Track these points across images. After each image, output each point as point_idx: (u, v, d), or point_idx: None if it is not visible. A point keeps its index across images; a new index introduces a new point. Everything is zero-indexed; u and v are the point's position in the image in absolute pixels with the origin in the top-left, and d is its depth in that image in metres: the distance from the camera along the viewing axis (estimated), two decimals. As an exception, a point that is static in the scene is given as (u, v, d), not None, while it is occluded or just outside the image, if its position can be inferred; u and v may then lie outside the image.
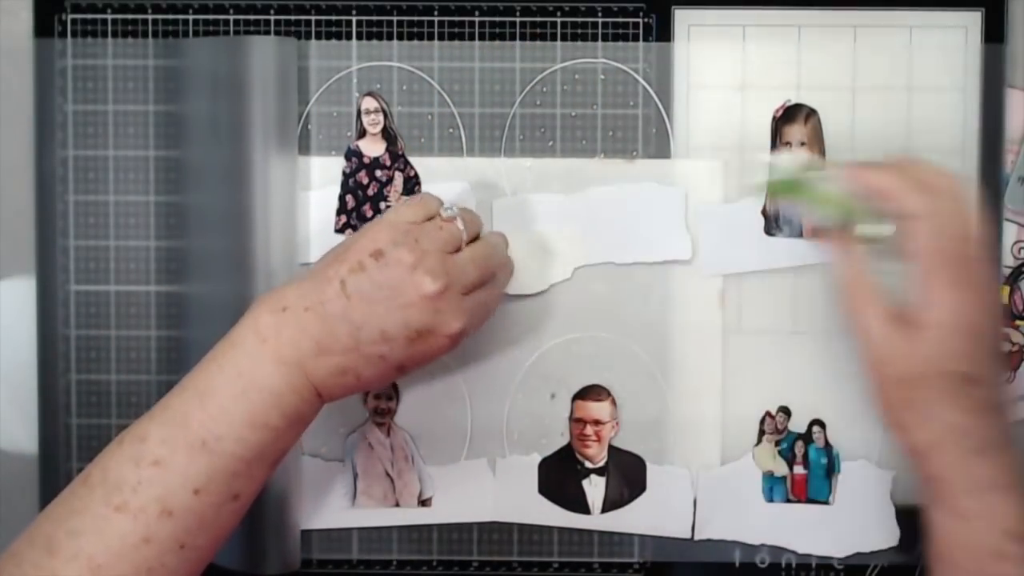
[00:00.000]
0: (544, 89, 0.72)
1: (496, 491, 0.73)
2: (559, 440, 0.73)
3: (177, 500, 0.55)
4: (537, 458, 0.73)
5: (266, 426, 0.57)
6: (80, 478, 0.57)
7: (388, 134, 0.72)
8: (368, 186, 0.72)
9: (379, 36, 0.72)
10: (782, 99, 0.71)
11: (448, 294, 0.59)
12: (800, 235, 0.71)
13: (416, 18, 0.71)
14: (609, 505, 0.72)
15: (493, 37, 0.71)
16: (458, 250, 0.62)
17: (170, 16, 0.72)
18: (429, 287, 0.59)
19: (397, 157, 0.72)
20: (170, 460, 0.56)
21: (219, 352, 0.58)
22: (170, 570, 0.56)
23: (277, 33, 0.71)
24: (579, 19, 0.71)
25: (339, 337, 0.58)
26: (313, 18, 0.72)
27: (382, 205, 0.71)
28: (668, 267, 0.71)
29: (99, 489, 0.56)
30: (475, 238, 0.64)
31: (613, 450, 0.72)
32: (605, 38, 0.71)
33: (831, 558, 0.72)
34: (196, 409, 0.57)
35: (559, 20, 0.71)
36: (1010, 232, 0.72)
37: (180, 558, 0.56)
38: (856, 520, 0.72)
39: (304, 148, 0.72)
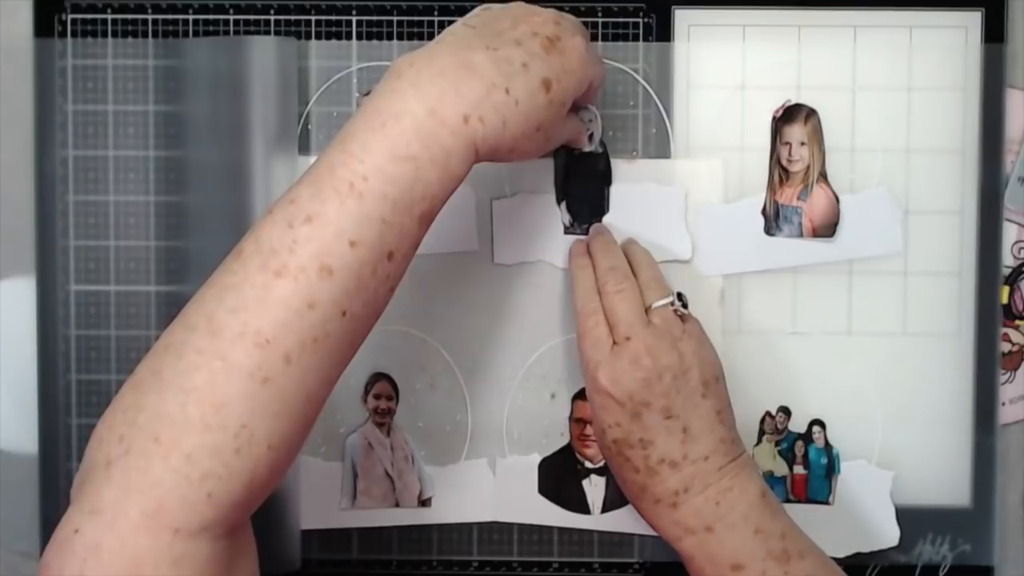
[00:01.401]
0: (544, 89, 0.72)
1: (496, 491, 0.73)
2: (559, 440, 0.73)
3: (335, 256, 0.53)
4: (537, 458, 0.73)
5: (410, 159, 0.54)
6: (230, 256, 0.54)
7: (388, 134, 0.72)
8: (368, 186, 0.72)
9: (379, 36, 0.72)
10: (782, 99, 0.71)
11: (565, 18, 0.61)
12: (800, 235, 0.71)
13: (416, 18, 0.71)
14: (609, 505, 0.72)
15: (493, 37, 0.71)
16: None
17: (170, 16, 0.72)
18: (540, 9, 0.61)
19: (397, 157, 0.72)
20: (322, 212, 0.53)
21: (361, 105, 0.57)
22: (333, 340, 0.53)
23: (277, 33, 0.71)
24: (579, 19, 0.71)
25: (475, 48, 0.57)
26: (313, 18, 0.72)
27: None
28: (668, 267, 0.71)
29: (254, 258, 0.53)
30: None
31: (613, 450, 0.72)
32: (605, 38, 0.71)
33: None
34: (338, 154, 0.54)
35: (559, 20, 0.71)
36: (1010, 232, 0.72)
37: (342, 327, 0.54)
38: (856, 520, 0.72)
39: (304, 148, 0.72)
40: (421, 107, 0.55)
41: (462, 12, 0.71)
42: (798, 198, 0.71)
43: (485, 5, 0.62)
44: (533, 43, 0.58)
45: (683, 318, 0.65)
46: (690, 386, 0.63)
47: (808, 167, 0.71)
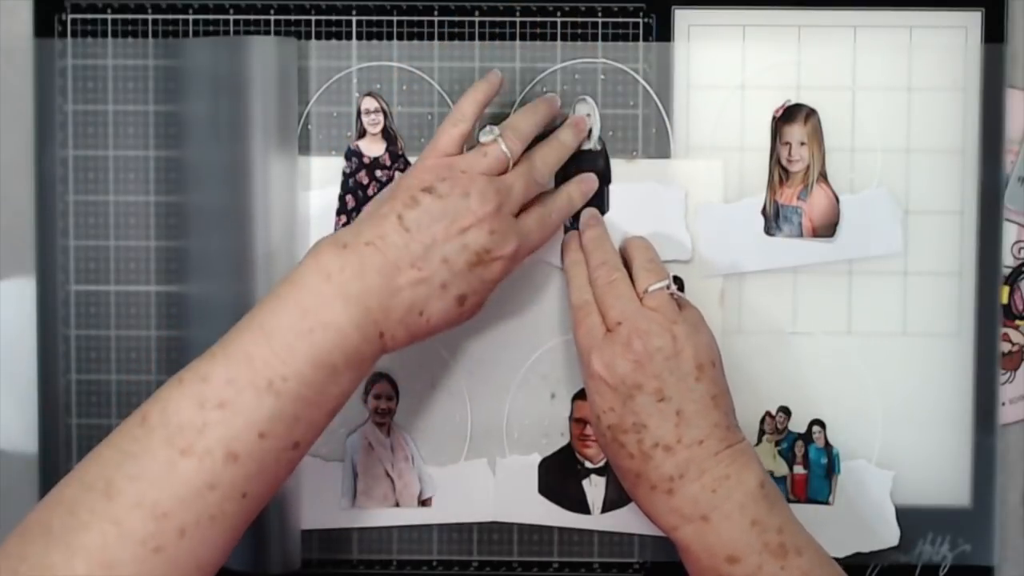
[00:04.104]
0: (544, 89, 0.72)
1: (496, 491, 0.73)
2: (559, 440, 0.73)
3: (243, 444, 0.54)
4: (537, 458, 0.73)
5: (329, 366, 0.57)
6: (134, 419, 0.55)
7: (388, 134, 0.72)
8: (368, 186, 0.72)
9: (379, 36, 0.72)
10: (782, 99, 0.71)
11: (500, 215, 0.62)
12: (800, 235, 0.71)
13: (416, 18, 0.71)
14: (609, 505, 0.72)
15: (493, 37, 0.71)
16: (505, 171, 0.64)
17: (170, 16, 0.72)
18: (482, 209, 0.61)
19: (397, 157, 0.72)
20: (236, 401, 0.54)
21: (282, 291, 0.58)
22: (229, 518, 0.54)
23: (277, 33, 0.71)
24: (579, 19, 0.71)
25: (402, 268, 0.59)
26: (313, 18, 0.72)
27: (382, 205, 0.71)
28: (668, 267, 0.71)
29: (160, 431, 0.54)
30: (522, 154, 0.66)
31: (613, 450, 0.72)
32: (605, 38, 0.71)
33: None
34: (262, 348, 0.56)
35: (559, 20, 0.71)
36: (1010, 232, 0.72)
37: (240, 506, 0.55)
38: (856, 520, 0.72)
39: (304, 148, 0.72)
40: (348, 322, 0.57)
41: (462, 12, 0.71)
42: (798, 198, 0.71)
43: (429, 185, 0.62)
44: (460, 259, 0.61)
45: (681, 305, 0.66)
46: (683, 369, 0.63)
47: (808, 167, 0.71)
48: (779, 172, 0.72)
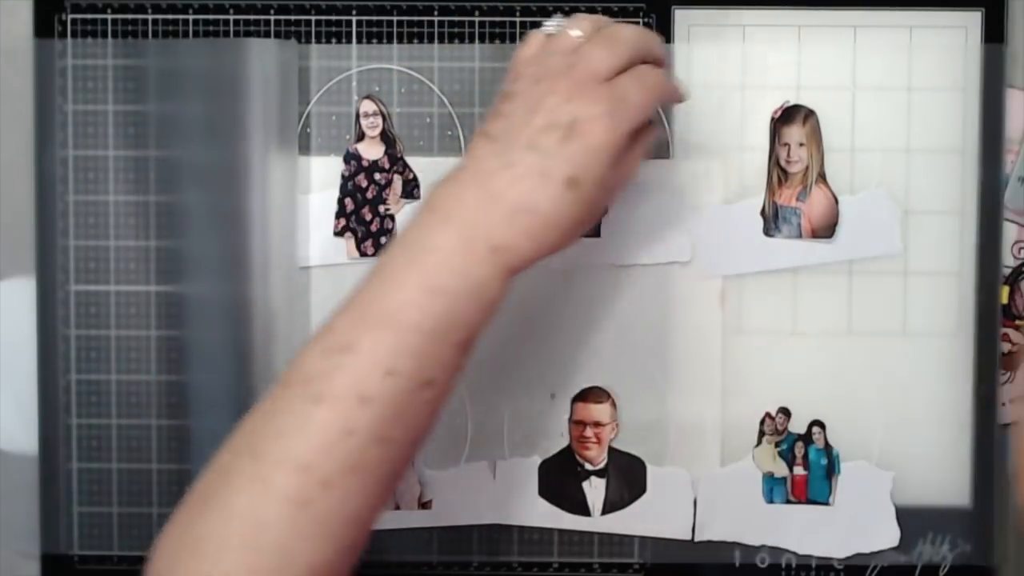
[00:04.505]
0: (544, 90, 0.72)
1: (496, 493, 0.73)
2: (559, 442, 0.73)
3: (372, 385, 0.53)
4: (537, 460, 0.73)
5: (442, 291, 0.55)
6: (276, 383, 0.56)
7: (387, 137, 0.72)
8: (367, 189, 0.72)
9: (379, 38, 0.72)
10: (782, 99, 0.71)
11: (576, 81, 0.58)
12: (799, 236, 0.71)
13: (416, 18, 0.72)
14: (609, 507, 0.72)
15: (493, 38, 0.71)
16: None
17: (170, 16, 0.72)
18: (553, 83, 0.58)
19: (396, 160, 0.72)
20: (358, 343, 0.54)
21: (398, 235, 0.58)
22: (371, 468, 0.54)
23: (277, 34, 0.71)
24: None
25: (495, 172, 0.56)
26: (313, 18, 0.72)
27: (381, 208, 0.72)
28: (667, 268, 0.71)
29: (296, 387, 0.54)
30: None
31: (613, 452, 0.72)
32: (605, 39, 0.71)
33: (831, 559, 0.72)
34: (373, 286, 0.55)
35: (559, 20, 0.71)
36: (1010, 232, 0.72)
37: (380, 454, 0.54)
38: (856, 521, 0.72)
39: (304, 149, 0.72)
40: (450, 241, 0.55)
41: (462, 13, 0.71)
42: (797, 199, 0.71)
43: (506, 91, 0.60)
44: (548, 140, 0.56)
45: None
46: None
47: (807, 168, 0.71)
48: (778, 173, 0.72)
